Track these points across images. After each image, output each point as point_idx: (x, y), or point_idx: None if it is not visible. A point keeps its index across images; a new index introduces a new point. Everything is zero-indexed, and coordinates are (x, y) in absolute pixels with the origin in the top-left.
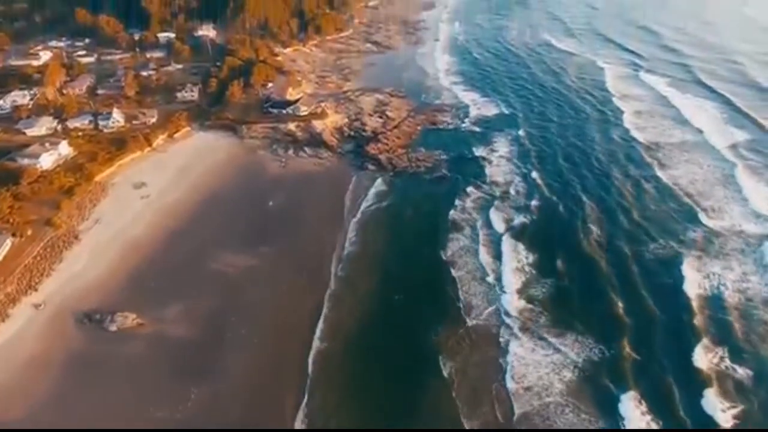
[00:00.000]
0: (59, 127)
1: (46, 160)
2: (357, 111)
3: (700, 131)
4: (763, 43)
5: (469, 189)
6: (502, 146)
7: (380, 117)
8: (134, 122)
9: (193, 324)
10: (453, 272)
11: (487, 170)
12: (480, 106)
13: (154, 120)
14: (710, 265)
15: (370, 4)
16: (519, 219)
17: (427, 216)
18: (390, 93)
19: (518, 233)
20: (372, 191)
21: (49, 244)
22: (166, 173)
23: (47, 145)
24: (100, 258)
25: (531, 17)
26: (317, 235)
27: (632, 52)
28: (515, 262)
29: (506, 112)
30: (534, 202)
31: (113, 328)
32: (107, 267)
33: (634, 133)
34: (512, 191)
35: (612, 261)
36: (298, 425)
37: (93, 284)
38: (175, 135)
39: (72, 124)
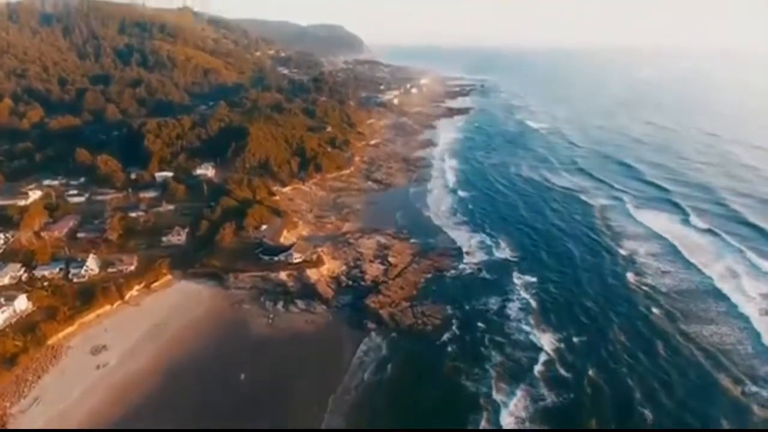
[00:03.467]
0: (25, 276)
1: None
2: (356, 257)
3: (708, 276)
4: (742, 179)
5: (482, 354)
6: (510, 297)
7: (381, 263)
8: (110, 270)
9: None
10: None
11: (499, 329)
12: (482, 250)
13: (132, 267)
14: None
15: (372, 142)
16: (541, 401)
17: (433, 394)
18: (392, 235)
19: (540, 420)
20: (370, 358)
21: None
22: (132, 334)
23: (2, 300)
24: None
25: (518, 155)
26: (296, 422)
27: (617, 188)
28: None
29: (507, 257)
30: (551, 372)
31: None
32: None
33: (639, 279)
34: (524, 358)
35: None
36: None
37: None
38: (154, 284)
39: (40, 272)
